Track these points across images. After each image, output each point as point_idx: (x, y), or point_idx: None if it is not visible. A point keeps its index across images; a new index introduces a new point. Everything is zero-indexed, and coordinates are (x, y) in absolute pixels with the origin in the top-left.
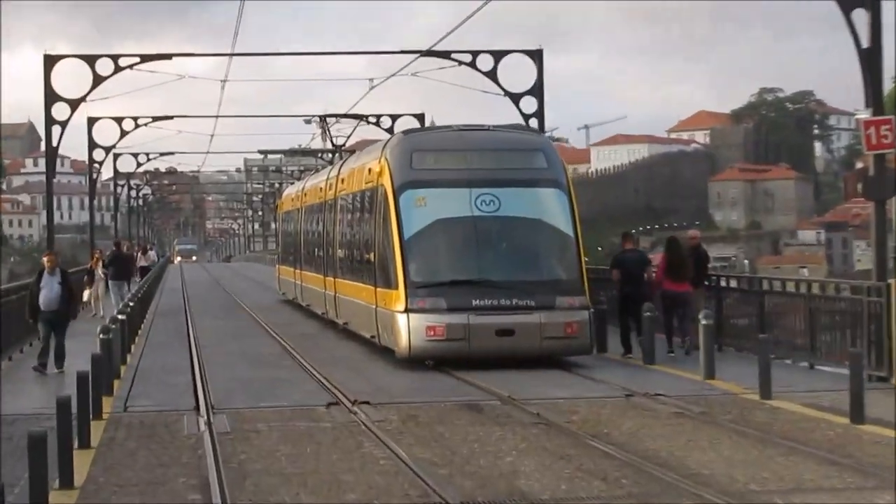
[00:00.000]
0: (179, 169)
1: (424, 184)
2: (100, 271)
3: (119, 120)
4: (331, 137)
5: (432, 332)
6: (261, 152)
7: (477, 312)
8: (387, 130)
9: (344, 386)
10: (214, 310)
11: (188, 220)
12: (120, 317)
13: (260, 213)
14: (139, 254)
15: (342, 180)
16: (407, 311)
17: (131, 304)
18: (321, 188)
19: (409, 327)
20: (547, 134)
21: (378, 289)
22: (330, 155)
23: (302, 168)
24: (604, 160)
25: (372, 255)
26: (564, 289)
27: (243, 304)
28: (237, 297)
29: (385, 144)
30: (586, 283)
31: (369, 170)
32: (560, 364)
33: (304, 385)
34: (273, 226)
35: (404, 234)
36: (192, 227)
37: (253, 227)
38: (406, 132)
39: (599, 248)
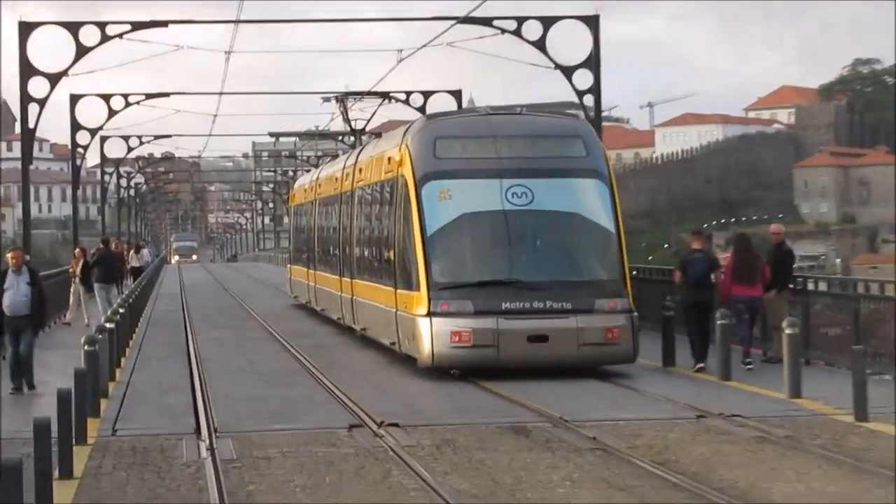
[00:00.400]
0: (177, 154)
1: (449, 174)
2: (76, 280)
3: (107, 97)
4: (348, 120)
5: (457, 339)
6: (272, 135)
7: (507, 316)
8: (418, 109)
9: (368, 404)
10: (218, 317)
11: (187, 214)
12: (108, 326)
13: (271, 205)
14: (130, 253)
15: (360, 170)
16: (429, 314)
17: (121, 310)
18: (336, 178)
19: (431, 333)
20: (605, 113)
21: (398, 291)
22: (352, 138)
23: (320, 153)
24: (670, 143)
25: (392, 253)
26: (604, 290)
27: (251, 311)
28: (244, 302)
29: (406, 131)
30: (629, 284)
31: (389, 158)
32: (614, 377)
33: (321, 404)
34: (286, 220)
35: (427, 229)
36: (192, 222)
37: (263, 221)
38: (429, 117)
39: (667, 245)
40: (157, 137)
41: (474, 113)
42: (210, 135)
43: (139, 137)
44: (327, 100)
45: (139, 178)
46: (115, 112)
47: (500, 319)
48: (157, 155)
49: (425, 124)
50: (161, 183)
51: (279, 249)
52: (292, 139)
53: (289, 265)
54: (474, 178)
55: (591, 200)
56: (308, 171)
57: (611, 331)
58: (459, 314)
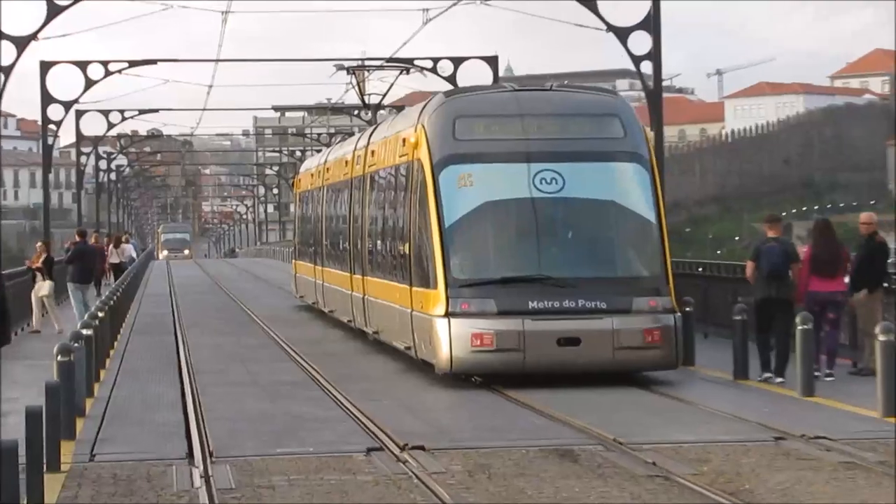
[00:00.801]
0: (166, 132)
1: (470, 158)
2: (40, 278)
3: (83, 65)
4: (362, 94)
5: (479, 342)
6: (276, 109)
7: (534, 317)
8: (446, 79)
9: (388, 423)
10: (213, 322)
11: (178, 202)
12: (84, 332)
13: (275, 191)
14: (111, 247)
15: (372, 152)
16: (448, 315)
17: (100, 314)
18: (347, 162)
19: (450, 335)
20: (666, 83)
21: (414, 289)
22: (370, 113)
23: (332, 131)
24: (743, 117)
25: (406, 246)
26: (644, 287)
27: (252, 314)
28: (244, 303)
29: (422, 109)
30: (671, 281)
31: (403, 140)
32: (665, 388)
33: (334, 423)
34: (292, 209)
35: (445, 220)
36: (184, 211)
37: (266, 210)
38: (448, 93)
39: (737, 238)
40: (142, 112)
41: (499, 89)
42: (204, 109)
43: (121, 112)
44: (341, 68)
45: (121, 160)
46: (94, 82)
47: (526, 320)
48: (143, 133)
49: (443, 102)
50: (147, 165)
51: (285, 243)
52: (300, 114)
53: (293, 260)
54: (498, 162)
55: (629, 187)
56: (320, 150)
57: (651, 333)
58: (481, 314)
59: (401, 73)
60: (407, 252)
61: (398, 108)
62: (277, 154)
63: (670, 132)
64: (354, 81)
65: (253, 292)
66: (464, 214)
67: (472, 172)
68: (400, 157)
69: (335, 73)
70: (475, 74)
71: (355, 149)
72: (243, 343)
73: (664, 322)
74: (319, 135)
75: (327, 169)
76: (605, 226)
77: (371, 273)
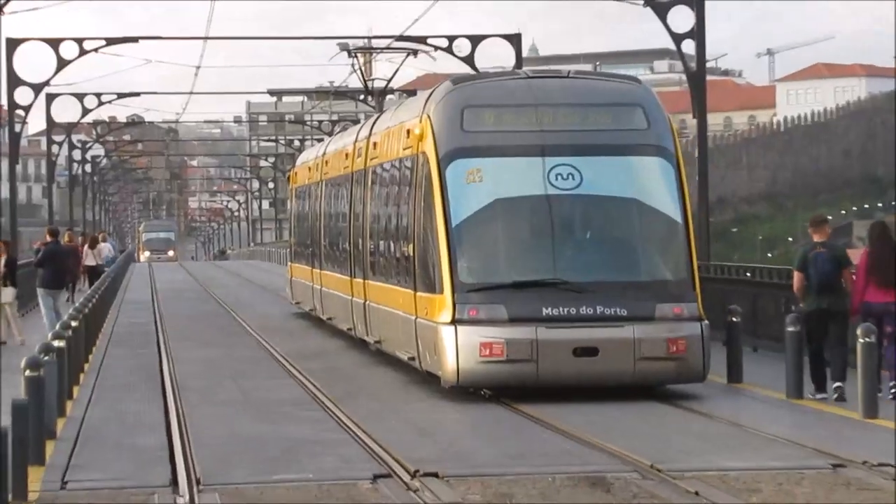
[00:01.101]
0: (148, 118)
1: (480, 151)
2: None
3: (55, 43)
4: (365, 78)
5: (488, 351)
6: (272, 93)
7: (548, 324)
8: (464, 60)
9: (396, 445)
10: (201, 332)
11: (162, 197)
12: (56, 344)
13: (271, 185)
14: (86, 248)
15: (374, 144)
16: (454, 322)
17: (74, 324)
18: (347, 154)
19: (457, 344)
20: (710, 64)
21: (418, 294)
22: (376, 99)
23: (335, 118)
24: (797, 103)
25: (410, 247)
26: (668, 293)
27: (244, 323)
28: (235, 311)
29: (428, 97)
30: (698, 286)
31: (408, 131)
32: (704, 405)
33: (336, 446)
34: (288, 206)
35: (452, 219)
36: (168, 208)
37: (260, 206)
38: (456, 80)
39: (790, 240)
40: (121, 96)
41: (511, 75)
42: (192, 93)
43: (98, 96)
44: (344, 48)
45: (98, 150)
46: (67, 62)
47: (539, 328)
48: (122, 119)
49: (451, 90)
50: (127, 156)
51: (281, 243)
52: (299, 99)
53: (289, 263)
54: (511, 155)
55: (653, 183)
56: (321, 139)
57: (675, 342)
58: (490, 322)
59: (408, 55)
60: (411, 254)
61: (409, 92)
62: (273, 144)
63: (715, 120)
64: (357, 64)
65: (245, 298)
66: (472, 213)
67: (481, 167)
68: (404, 149)
69: (337, 53)
70: (496, 54)
71: (356, 140)
72: (234, 356)
73: (690, 330)
74: (320, 122)
75: (326, 162)
76: (625, 225)
77: (373, 277)
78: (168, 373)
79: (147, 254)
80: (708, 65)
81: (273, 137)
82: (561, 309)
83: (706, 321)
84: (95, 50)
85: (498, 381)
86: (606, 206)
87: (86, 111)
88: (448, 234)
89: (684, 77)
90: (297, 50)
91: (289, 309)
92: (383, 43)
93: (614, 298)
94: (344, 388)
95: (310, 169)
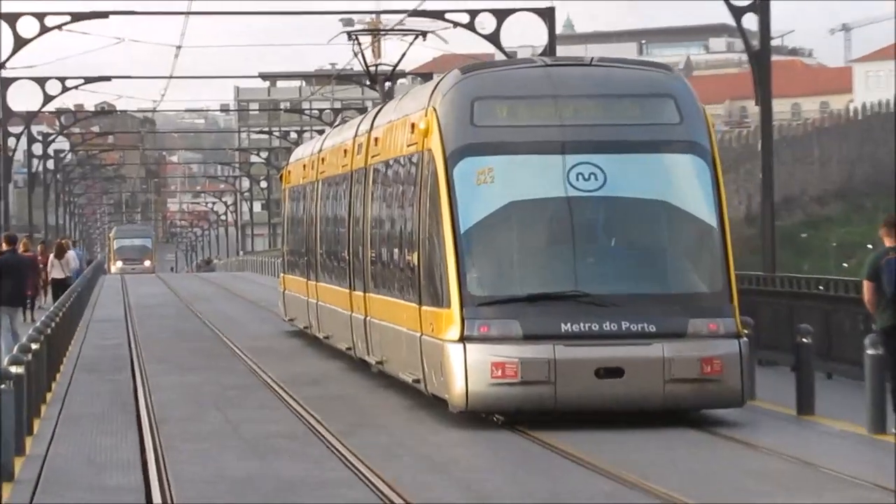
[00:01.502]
0: (120, 106)
1: (491, 148)
2: None
3: (12, 18)
4: (367, 65)
5: (500, 372)
6: (264, 78)
7: (568, 342)
8: (487, 38)
9: (411, 488)
10: (182, 355)
11: (136, 198)
12: (13, 370)
13: (263, 184)
14: (52, 257)
15: (376, 140)
16: (463, 339)
17: (34, 346)
18: (346, 150)
19: (465, 364)
20: (775, 42)
21: (424, 308)
22: (386, 84)
23: (338, 106)
24: (877, 87)
25: (415, 256)
26: (702, 307)
27: (232, 344)
28: (222, 331)
29: (434, 88)
30: (735, 298)
31: (412, 126)
32: (771, 439)
33: (340, 488)
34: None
35: (460, 224)
36: (144, 210)
37: (251, 208)
38: (465, 69)
39: (870, 246)
40: (89, 81)
41: (527, 63)
42: (171, 77)
43: (62, 81)
44: (349, 26)
45: (62, 143)
46: (25, 41)
47: (558, 346)
48: (90, 108)
49: (459, 80)
50: (96, 150)
51: (275, 252)
52: (296, 84)
53: (281, 274)
54: (526, 153)
55: (685, 183)
56: (322, 131)
57: (710, 362)
58: (503, 339)
59: (416, 37)
60: (416, 263)
61: (425, 76)
62: (266, 136)
63: (781, 106)
64: (359, 49)
65: (233, 315)
66: (483, 217)
67: (493, 166)
68: (408, 146)
69: (339, 33)
70: (525, 32)
71: (356, 135)
72: (220, 382)
73: (726, 349)
74: (321, 111)
75: (322, 159)
76: (654, 231)
77: (374, 289)
78: (144, 402)
79: (119, 264)
80: (773, 43)
81: (266, 129)
82: (582, 325)
83: (745, 338)
84: (59, 27)
85: (511, 405)
86: (633, 210)
87: (48, 98)
88: (456, 241)
89: (745, 57)
90: (294, 27)
91: (282, 327)
92: (394, 19)
93: (641, 313)
94: (346, 419)
95: (304, 167)
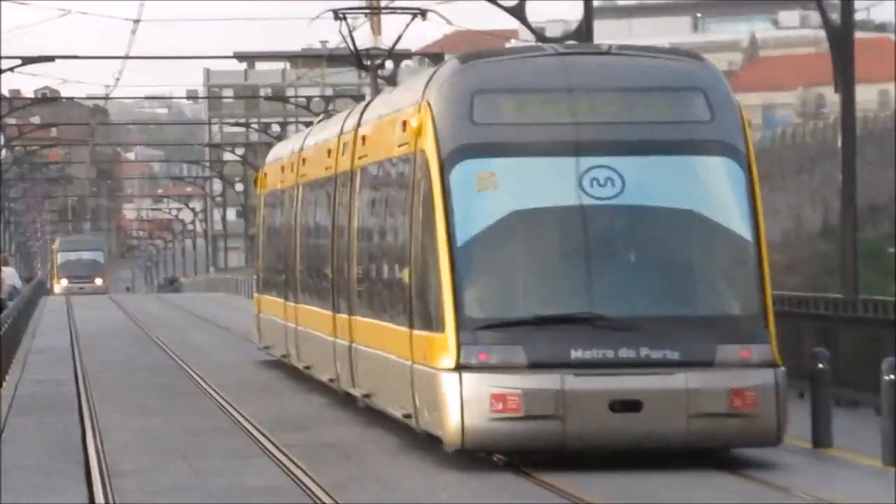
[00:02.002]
0: (66, 93)
1: (494, 150)
2: None
3: None
4: (354, 45)
5: (501, 405)
6: (240, 59)
7: (578, 371)
8: (509, 11)
9: None
10: (141, 393)
11: (85, 204)
12: None
13: (239, 186)
14: None
15: (363, 138)
16: (459, 368)
17: None
18: (329, 150)
19: (461, 396)
20: (859, 14)
21: (415, 332)
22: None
23: (329, 92)
24: None
25: (406, 274)
26: (733, 331)
27: (199, 378)
28: (187, 363)
29: (429, 79)
30: (772, 322)
31: (403, 123)
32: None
33: None
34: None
35: (457, 236)
36: (94, 218)
37: (224, 216)
38: (464, 58)
39: None
40: (28, 61)
41: (536, 52)
42: (128, 56)
43: None
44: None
45: None
46: None
47: (567, 376)
48: (30, 94)
49: (458, 70)
50: (36, 146)
51: (252, 269)
52: (278, 66)
53: (255, 294)
54: (534, 155)
55: (714, 190)
56: (310, 123)
57: (741, 394)
58: (505, 368)
59: (414, 17)
60: (407, 281)
61: (433, 58)
62: (243, 129)
63: (866, 94)
64: (347, 29)
65: (202, 344)
66: (483, 229)
67: (496, 170)
68: (399, 146)
69: (324, 11)
70: (553, 6)
71: (341, 132)
72: (187, 425)
73: (760, 379)
74: (309, 99)
75: (303, 160)
76: (679, 245)
77: (360, 311)
78: (94, 450)
79: (64, 282)
80: (857, 16)
81: (242, 120)
82: (595, 351)
83: (782, 368)
84: None
85: (514, 443)
86: (655, 220)
87: None
88: (451, 256)
89: (822, 34)
90: None
91: (256, 356)
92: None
93: (663, 338)
94: (338, 470)
95: (283, 169)
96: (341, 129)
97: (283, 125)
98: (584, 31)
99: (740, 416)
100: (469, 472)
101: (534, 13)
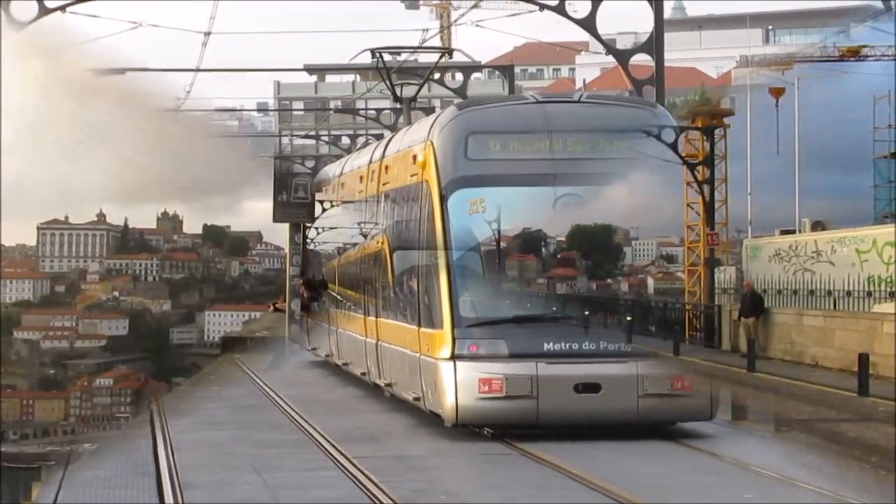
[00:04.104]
0: None
1: (484, 181)
2: None
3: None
4: (391, 83)
5: (487, 388)
6: (310, 71)
7: (549, 360)
8: (579, 24)
9: None
10: (207, 406)
11: None
12: None
13: None
14: None
15: (386, 167)
16: (454, 357)
17: None
18: (361, 176)
19: (455, 380)
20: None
21: (422, 330)
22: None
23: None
24: None
25: (416, 282)
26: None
27: (255, 377)
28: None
29: (434, 122)
30: None
31: (413, 157)
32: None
33: None
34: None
35: (453, 252)
36: None
37: None
38: (461, 105)
39: None
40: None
41: (520, 100)
42: (199, 69)
43: None
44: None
45: None
46: (21, 26)
47: (540, 364)
48: None
49: (455, 115)
50: None
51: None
52: (348, 79)
53: None
54: (517, 184)
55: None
56: (380, 136)
57: (680, 378)
58: (490, 357)
59: (441, 56)
60: (416, 288)
61: (504, 69)
62: (313, 141)
63: None
64: (384, 67)
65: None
66: (474, 246)
67: (485, 197)
68: (410, 176)
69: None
70: (625, 14)
71: (370, 161)
72: (242, 405)
73: (697, 366)
74: (379, 111)
75: (342, 184)
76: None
77: (384, 314)
78: (165, 463)
79: None
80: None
81: (312, 132)
82: (563, 344)
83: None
84: (61, 9)
85: (497, 418)
86: None
87: None
88: (448, 268)
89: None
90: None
91: (305, 357)
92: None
93: (617, 334)
94: (411, 481)
95: (326, 190)
96: (370, 159)
97: (353, 137)
98: (654, 41)
99: (679, 396)
100: (466, 440)
101: (604, 25)
